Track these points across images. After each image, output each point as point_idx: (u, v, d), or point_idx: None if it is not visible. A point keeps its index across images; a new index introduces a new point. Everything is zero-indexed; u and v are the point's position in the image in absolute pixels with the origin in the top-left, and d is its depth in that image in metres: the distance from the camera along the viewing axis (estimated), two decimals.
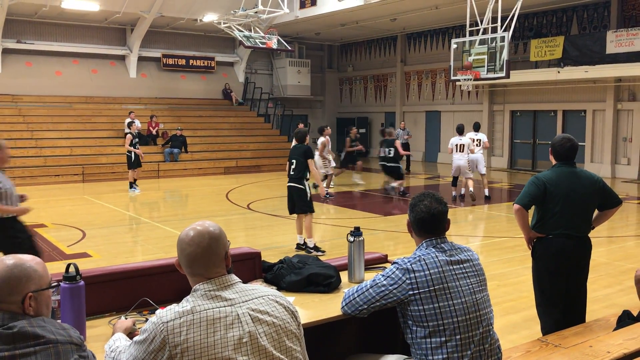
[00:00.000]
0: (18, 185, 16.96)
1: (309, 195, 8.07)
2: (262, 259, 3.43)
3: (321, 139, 14.22)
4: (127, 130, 14.66)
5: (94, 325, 2.70)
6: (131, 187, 14.79)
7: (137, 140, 14.64)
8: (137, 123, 15.21)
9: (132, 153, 14.36)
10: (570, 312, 4.12)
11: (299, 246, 8.36)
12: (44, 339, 1.78)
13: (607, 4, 17.99)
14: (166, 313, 1.98)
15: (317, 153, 13.70)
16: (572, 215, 4.03)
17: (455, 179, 13.13)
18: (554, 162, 4.18)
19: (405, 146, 15.63)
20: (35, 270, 1.89)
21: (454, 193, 13.14)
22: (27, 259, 1.91)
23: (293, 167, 8.04)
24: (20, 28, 20.24)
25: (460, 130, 12.87)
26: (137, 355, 1.99)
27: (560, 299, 4.11)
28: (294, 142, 8.54)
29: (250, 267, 3.31)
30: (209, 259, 2.08)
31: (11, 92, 19.84)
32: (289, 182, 8.13)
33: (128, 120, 15.27)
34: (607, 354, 3.20)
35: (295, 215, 8.37)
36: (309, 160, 8.02)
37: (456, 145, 12.78)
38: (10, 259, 1.87)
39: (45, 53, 20.82)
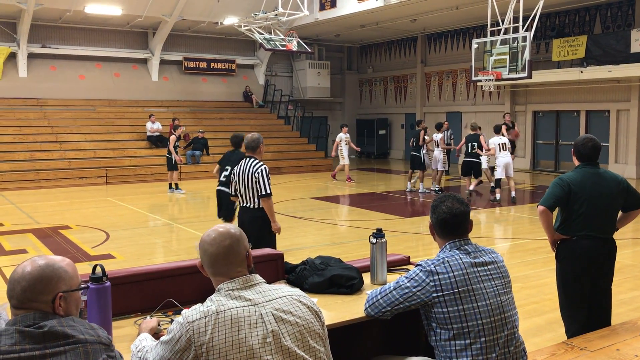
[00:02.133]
0: (43, 187, 17.32)
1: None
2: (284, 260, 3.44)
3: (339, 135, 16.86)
4: (175, 133, 15.09)
5: (119, 326, 2.73)
6: (170, 187, 15.07)
7: (177, 144, 14.97)
8: (182, 128, 15.45)
9: (172, 155, 14.72)
10: (595, 315, 4.07)
11: None
12: (74, 338, 1.81)
13: (631, 2, 17.71)
14: (191, 313, 2.01)
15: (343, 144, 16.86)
16: (597, 217, 3.98)
17: (498, 180, 12.97)
18: (576, 163, 4.14)
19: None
20: (66, 271, 1.93)
21: (498, 196, 12.95)
22: (58, 259, 1.95)
23: (226, 173, 8.30)
24: (45, 33, 20.59)
25: (498, 130, 13.13)
26: (163, 354, 2.02)
27: (585, 301, 4.05)
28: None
29: (273, 268, 3.32)
30: (230, 259, 2.13)
31: (36, 96, 20.19)
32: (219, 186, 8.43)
33: (175, 123, 15.59)
34: (635, 358, 3.15)
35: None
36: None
37: (499, 144, 12.86)
38: (42, 259, 1.91)
39: (69, 57, 21.14)
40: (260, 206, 5.63)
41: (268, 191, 5.55)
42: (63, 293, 1.89)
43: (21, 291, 1.84)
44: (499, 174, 12.90)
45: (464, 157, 13.76)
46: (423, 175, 14.80)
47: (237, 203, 5.91)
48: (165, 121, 20.16)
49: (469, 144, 13.49)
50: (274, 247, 5.57)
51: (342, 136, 17.03)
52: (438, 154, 14.51)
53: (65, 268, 1.93)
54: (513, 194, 13.08)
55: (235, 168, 5.74)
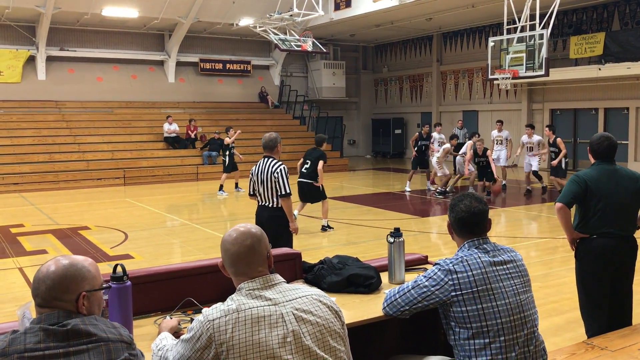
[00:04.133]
0: (62, 188, 17.51)
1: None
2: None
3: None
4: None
5: (140, 325, 2.76)
6: (220, 189, 15.20)
7: (232, 145, 15.22)
8: (234, 131, 15.71)
9: (227, 157, 15.06)
10: (616, 314, 4.03)
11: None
12: (96, 336, 1.83)
13: None
14: (212, 311, 2.03)
15: None
16: (615, 214, 3.94)
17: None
18: (592, 161, 4.11)
19: (460, 147, 15.59)
20: (89, 271, 1.96)
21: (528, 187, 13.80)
22: (81, 259, 1.98)
23: (306, 166, 9.64)
24: (63, 36, 20.82)
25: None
26: (184, 353, 2.04)
27: (606, 300, 4.01)
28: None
29: (291, 267, 3.34)
30: (252, 258, 2.14)
31: (55, 99, 20.43)
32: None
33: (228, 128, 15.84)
34: None
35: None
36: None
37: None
38: (66, 259, 1.94)
39: (87, 60, 21.37)
40: (279, 205, 5.66)
41: (288, 191, 5.59)
42: (86, 292, 1.92)
43: (46, 290, 1.87)
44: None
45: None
46: (429, 174, 14.94)
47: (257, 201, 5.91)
48: (181, 122, 20.31)
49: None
50: (291, 246, 5.59)
51: (437, 137, 15.20)
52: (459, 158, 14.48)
53: (89, 268, 1.96)
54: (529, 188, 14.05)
55: (254, 168, 5.77)
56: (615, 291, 4.03)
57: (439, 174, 14.32)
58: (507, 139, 14.98)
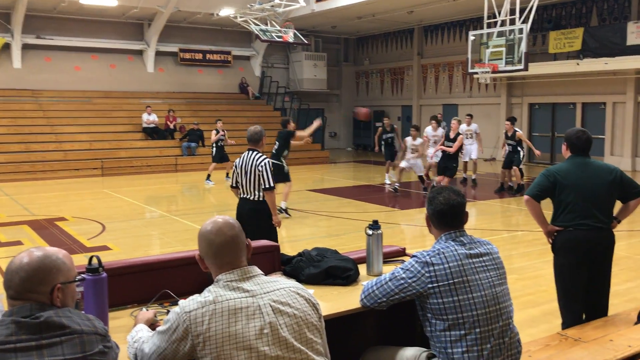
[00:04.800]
0: (39, 179, 17.30)
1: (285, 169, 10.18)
2: (280, 252, 3.45)
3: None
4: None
5: (116, 317, 2.74)
6: (208, 178, 15.26)
7: (222, 136, 15.35)
8: (220, 123, 15.72)
9: (214, 148, 15.20)
10: (592, 306, 4.08)
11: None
12: (70, 329, 1.81)
13: None
14: (189, 303, 2.02)
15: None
16: (587, 205, 3.96)
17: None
18: (567, 155, 4.15)
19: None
20: (64, 263, 1.93)
21: (510, 183, 13.49)
22: (55, 251, 1.95)
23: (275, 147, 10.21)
24: (40, 24, 20.45)
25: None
26: (160, 344, 2.03)
27: (581, 292, 4.07)
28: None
29: (270, 260, 3.33)
30: (236, 248, 2.15)
31: (31, 87, 20.09)
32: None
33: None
34: (628, 348, 3.18)
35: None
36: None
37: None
38: (39, 251, 1.91)
39: (65, 48, 21.02)
40: (261, 199, 5.64)
41: (271, 184, 5.57)
42: (61, 284, 1.89)
43: (20, 282, 1.84)
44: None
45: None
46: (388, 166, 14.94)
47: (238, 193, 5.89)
48: (161, 113, 20.11)
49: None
50: (276, 239, 5.56)
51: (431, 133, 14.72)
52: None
53: (63, 259, 1.93)
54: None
55: (237, 160, 5.75)
56: (591, 283, 4.08)
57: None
58: (476, 133, 14.95)
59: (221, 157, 15.37)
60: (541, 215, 4.11)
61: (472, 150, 14.89)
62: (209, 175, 15.21)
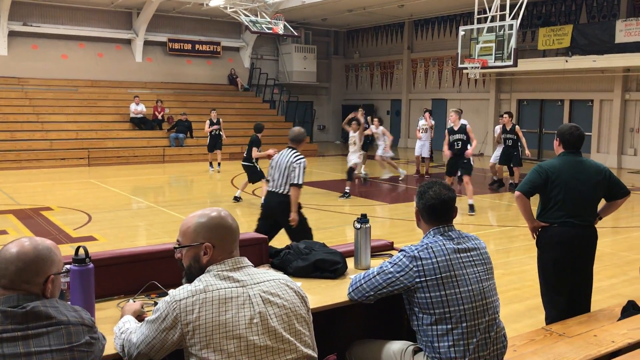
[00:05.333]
0: (24, 168, 17.10)
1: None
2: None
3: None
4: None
5: (102, 308, 2.72)
6: (211, 165, 16.03)
7: (215, 126, 15.72)
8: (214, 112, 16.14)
9: (209, 137, 15.77)
10: (574, 301, 4.13)
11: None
12: (56, 319, 1.81)
13: None
14: (179, 292, 2.02)
15: None
16: (575, 204, 4.02)
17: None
18: (559, 151, 4.18)
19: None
20: (56, 254, 1.93)
21: (495, 178, 13.51)
22: (46, 241, 1.94)
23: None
24: (27, 10, 20.19)
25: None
26: (148, 334, 2.03)
27: (565, 288, 4.11)
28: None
29: (257, 252, 3.33)
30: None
31: (17, 75, 19.85)
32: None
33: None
34: (612, 344, 3.22)
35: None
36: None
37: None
38: (33, 241, 1.90)
39: (52, 36, 20.79)
40: (288, 192, 5.91)
41: (300, 182, 5.86)
42: (54, 275, 1.88)
43: (16, 272, 1.83)
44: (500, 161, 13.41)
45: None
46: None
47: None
48: (149, 103, 19.97)
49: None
50: (305, 232, 5.97)
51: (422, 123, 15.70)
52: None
53: (55, 250, 1.93)
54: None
55: (275, 156, 6.13)
56: (574, 279, 4.13)
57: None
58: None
59: (213, 145, 15.75)
60: (530, 212, 4.15)
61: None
62: (211, 163, 16.10)
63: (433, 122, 15.82)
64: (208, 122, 15.70)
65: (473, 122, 15.88)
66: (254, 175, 10.83)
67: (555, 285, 4.12)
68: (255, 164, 10.80)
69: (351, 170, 12.28)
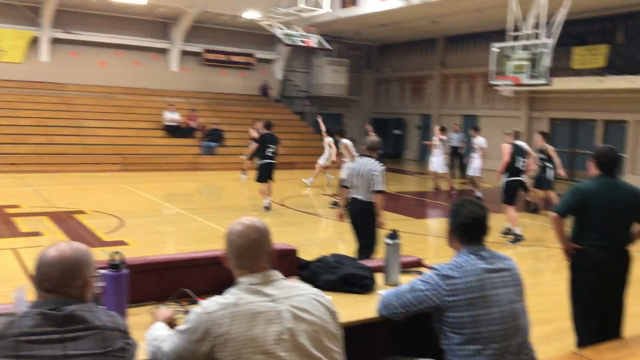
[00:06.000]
0: (60, 171, 17.44)
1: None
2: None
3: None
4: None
5: (134, 314, 2.77)
6: (244, 173, 15.98)
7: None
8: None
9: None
10: (606, 326, 4.06)
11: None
12: (93, 324, 1.84)
13: None
14: (210, 304, 2.04)
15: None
16: (611, 227, 3.96)
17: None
18: (594, 172, 4.13)
19: (454, 151, 16.21)
20: (92, 258, 1.98)
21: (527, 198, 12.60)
22: (84, 246, 1.99)
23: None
24: (69, 19, 20.72)
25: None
26: (179, 344, 2.06)
27: (598, 312, 4.04)
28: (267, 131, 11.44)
29: (286, 264, 3.35)
30: (256, 252, 2.15)
31: (57, 81, 20.37)
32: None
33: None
34: None
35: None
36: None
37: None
38: (72, 245, 1.95)
39: (91, 44, 21.28)
40: (371, 200, 6.28)
41: (382, 188, 6.24)
42: (90, 278, 1.94)
43: (59, 275, 1.88)
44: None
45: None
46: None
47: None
48: (183, 111, 20.29)
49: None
50: (374, 238, 6.37)
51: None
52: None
53: (91, 254, 1.99)
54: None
55: (354, 164, 6.53)
56: (607, 303, 4.06)
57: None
58: (481, 147, 14.36)
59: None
60: (564, 233, 4.11)
61: (473, 165, 14.41)
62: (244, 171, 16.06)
63: (445, 137, 15.75)
64: (254, 131, 15.45)
65: (503, 139, 15.68)
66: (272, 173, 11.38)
67: (588, 309, 4.05)
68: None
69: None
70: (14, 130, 17.35)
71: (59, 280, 1.88)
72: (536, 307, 5.94)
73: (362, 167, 6.30)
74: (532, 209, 12.60)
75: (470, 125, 16.00)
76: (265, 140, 11.28)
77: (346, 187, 6.53)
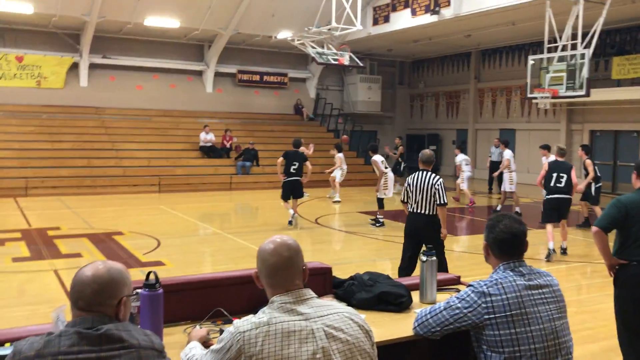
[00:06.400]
0: (99, 193, 17.81)
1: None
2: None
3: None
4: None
5: (169, 333, 2.77)
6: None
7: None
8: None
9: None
10: None
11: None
12: (128, 342, 1.84)
13: None
14: (243, 323, 2.03)
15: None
16: None
17: None
18: (637, 185, 4.00)
19: (495, 165, 16.16)
20: (128, 277, 1.99)
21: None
22: (119, 265, 2.00)
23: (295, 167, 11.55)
24: (106, 44, 21.33)
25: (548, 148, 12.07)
26: None
27: None
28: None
29: (321, 282, 3.32)
30: (289, 271, 2.13)
31: (95, 105, 20.93)
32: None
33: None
34: None
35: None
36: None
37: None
38: (106, 264, 1.96)
39: (128, 68, 21.84)
40: (433, 213, 6.43)
41: (445, 201, 6.42)
42: (126, 297, 1.94)
43: (92, 294, 1.89)
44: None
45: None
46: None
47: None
48: (217, 132, 20.56)
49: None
50: (442, 249, 6.54)
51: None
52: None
53: (127, 274, 1.99)
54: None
55: (411, 179, 6.55)
56: None
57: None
58: (506, 160, 14.05)
59: None
60: (607, 248, 3.97)
61: (505, 180, 14.06)
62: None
63: (465, 157, 15.94)
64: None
65: (535, 153, 15.40)
66: (301, 190, 11.84)
67: (635, 327, 3.89)
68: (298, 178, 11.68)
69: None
70: (55, 154, 17.84)
71: (92, 299, 1.89)
72: (581, 325, 5.80)
73: (421, 181, 6.40)
74: (583, 223, 12.24)
75: (496, 138, 15.90)
76: (289, 158, 11.56)
77: (405, 202, 6.66)
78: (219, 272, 3.30)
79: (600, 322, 5.86)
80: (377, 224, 11.85)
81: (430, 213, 6.42)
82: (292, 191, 11.60)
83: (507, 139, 15.85)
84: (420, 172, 6.50)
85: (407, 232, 6.66)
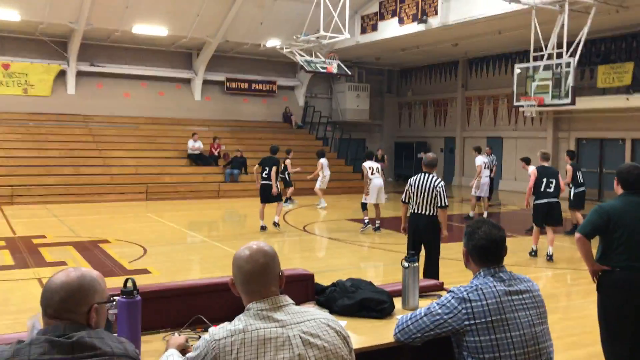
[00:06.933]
0: (86, 201, 17.69)
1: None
2: (315, 281, 3.41)
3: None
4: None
5: (148, 341, 2.74)
6: (285, 201, 16.09)
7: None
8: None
9: (286, 174, 16.55)
10: (637, 350, 3.90)
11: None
12: (101, 350, 1.81)
13: None
14: (218, 331, 2.00)
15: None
16: (637, 247, 3.83)
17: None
18: (619, 191, 4.03)
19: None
20: (100, 283, 1.95)
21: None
22: (91, 271, 1.97)
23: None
24: (94, 52, 21.24)
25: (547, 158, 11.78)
26: None
27: (628, 335, 3.89)
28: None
29: (303, 289, 3.30)
30: (265, 277, 2.11)
31: (83, 113, 20.80)
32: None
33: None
34: None
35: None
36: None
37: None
38: (77, 271, 1.94)
39: (116, 75, 21.75)
40: (434, 214, 6.62)
41: (446, 203, 6.61)
42: (97, 305, 1.91)
43: (60, 301, 1.86)
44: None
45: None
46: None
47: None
48: (206, 140, 20.50)
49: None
50: (438, 250, 6.78)
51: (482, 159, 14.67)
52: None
53: (99, 280, 1.96)
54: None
55: (413, 180, 6.74)
56: (637, 326, 3.90)
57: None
58: (477, 166, 14.20)
59: (288, 182, 16.72)
60: (590, 254, 3.99)
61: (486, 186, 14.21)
62: (286, 199, 16.51)
63: (484, 159, 14.92)
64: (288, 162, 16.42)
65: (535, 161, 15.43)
66: (273, 196, 11.79)
67: (617, 333, 3.90)
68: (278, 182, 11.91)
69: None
70: (42, 162, 17.70)
71: (60, 306, 1.86)
72: (566, 331, 5.81)
73: (424, 184, 6.59)
74: (571, 230, 12.28)
75: (487, 146, 15.79)
76: (263, 164, 11.93)
77: (406, 203, 6.84)
78: (198, 279, 3.28)
79: (586, 329, 5.87)
80: (365, 227, 12.13)
81: (431, 214, 6.62)
82: (263, 195, 11.82)
83: (479, 146, 15.71)
84: (423, 174, 6.70)
85: (409, 232, 6.89)
